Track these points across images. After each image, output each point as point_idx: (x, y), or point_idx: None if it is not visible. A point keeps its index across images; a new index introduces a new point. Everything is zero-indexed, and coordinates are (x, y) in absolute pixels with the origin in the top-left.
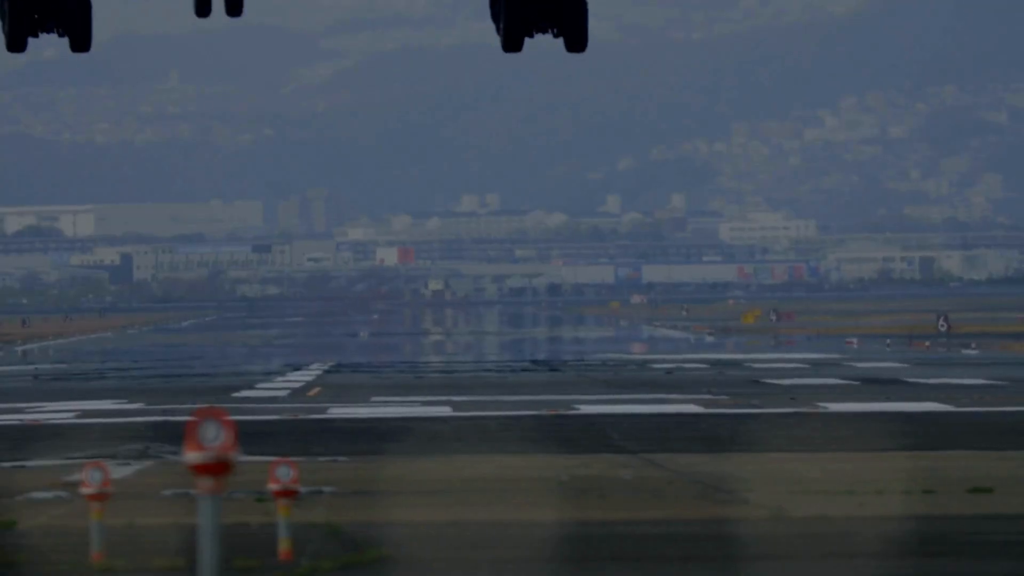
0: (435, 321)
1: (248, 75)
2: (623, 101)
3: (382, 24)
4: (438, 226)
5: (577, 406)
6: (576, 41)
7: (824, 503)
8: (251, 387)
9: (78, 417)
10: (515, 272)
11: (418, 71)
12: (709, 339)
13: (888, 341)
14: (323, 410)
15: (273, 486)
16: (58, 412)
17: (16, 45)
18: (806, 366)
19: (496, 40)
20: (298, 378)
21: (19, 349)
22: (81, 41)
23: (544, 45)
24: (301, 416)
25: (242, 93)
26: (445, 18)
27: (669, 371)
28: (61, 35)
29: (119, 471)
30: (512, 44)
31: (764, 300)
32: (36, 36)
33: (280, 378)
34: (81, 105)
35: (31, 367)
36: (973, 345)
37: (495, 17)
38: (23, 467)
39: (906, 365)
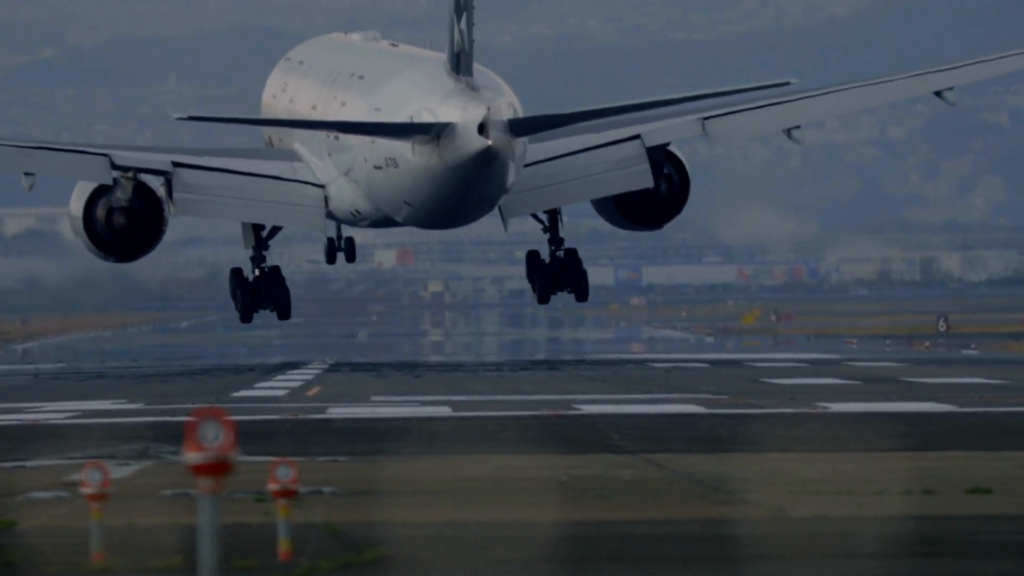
0: (434, 322)
1: (247, 76)
2: (622, 102)
3: (381, 25)
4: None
5: (577, 406)
6: (581, 296)
7: (824, 503)
8: (250, 387)
9: (78, 417)
10: (515, 274)
11: None
12: (708, 339)
13: (888, 341)
14: (322, 410)
15: (272, 486)
16: (58, 412)
17: (247, 318)
18: (806, 366)
19: (496, 40)
20: (297, 378)
21: (19, 348)
22: (285, 313)
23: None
24: (300, 416)
25: (241, 94)
26: (445, 19)
27: (668, 370)
28: (271, 310)
29: (119, 471)
30: (544, 299)
31: (764, 301)
32: (257, 312)
33: (279, 378)
34: (80, 106)
35: (31, 366)
36: (973, 345)
37: (531, 280)
38: (23, 467)
39: (906, 365)
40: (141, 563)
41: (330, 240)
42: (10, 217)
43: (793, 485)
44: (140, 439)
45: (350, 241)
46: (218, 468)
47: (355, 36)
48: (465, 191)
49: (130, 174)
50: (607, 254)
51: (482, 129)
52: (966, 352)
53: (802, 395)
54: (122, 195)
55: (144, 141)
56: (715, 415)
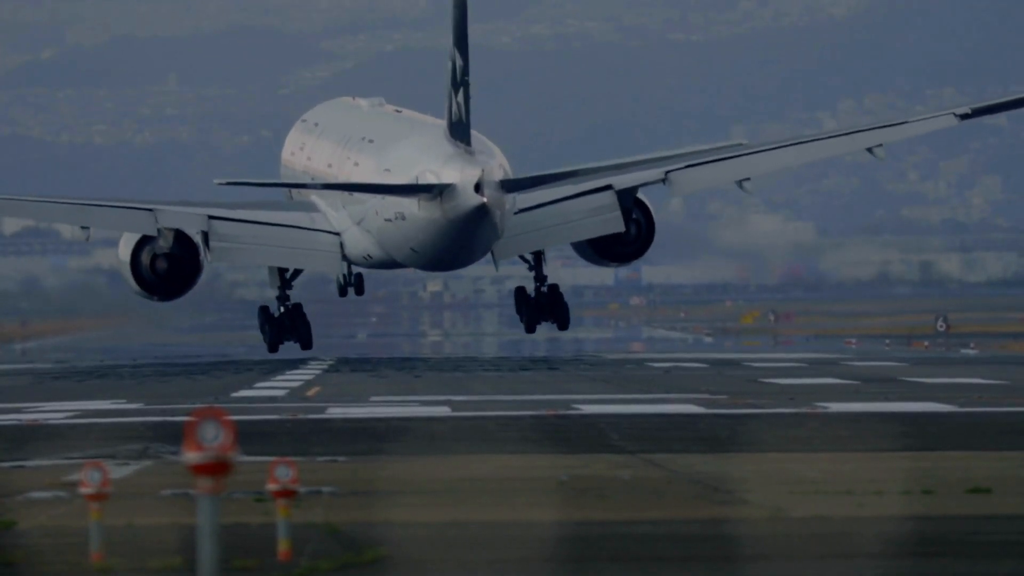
0: (434, 322)
1: (246, 77)
2: (622, 103)
3: (381, 26)
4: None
5: (576, 406)
6: (563, 326)
7: (823, 503)
8: (250, 387)
9: (77, 417)
10: (514, 274)
11: (417, 72)
12: (708, 339)
13: (887, 341)
14: (322, 410)
15: (272, 486)
16: (57, 412)
17: (273, 349)
18: (805, 366)
19: (496, 41)
20: (297, 378)
21: (18, 348)
22: (307, 345)
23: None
24: (300, 416)
25: (241, 95)
26: (444, 19)
27: (667, 370)
28: (295, 341)
29: (118, 471)
30: (531, 329)
31: (763, 301)
32: (282, 343)
33: (279, 377)
34: (80, 106)
35: (31, 366)
36: (972, 345)
37: (519, 313)
38: (22, 467)
39: (905, 365)
40: (141, 563)
41: (344, 277)
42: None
43: (792, 485)
44: (140, 439)
45: (359, 277)
46: (218, 468)
47: (363, 102)
48: (463, 240)
49: (171, 226)
50: None
51: (478, 188)
52: (965, 352)
53: (801, 395)
54: (164, 244)
55: (143, 141)
56: (714, 415)
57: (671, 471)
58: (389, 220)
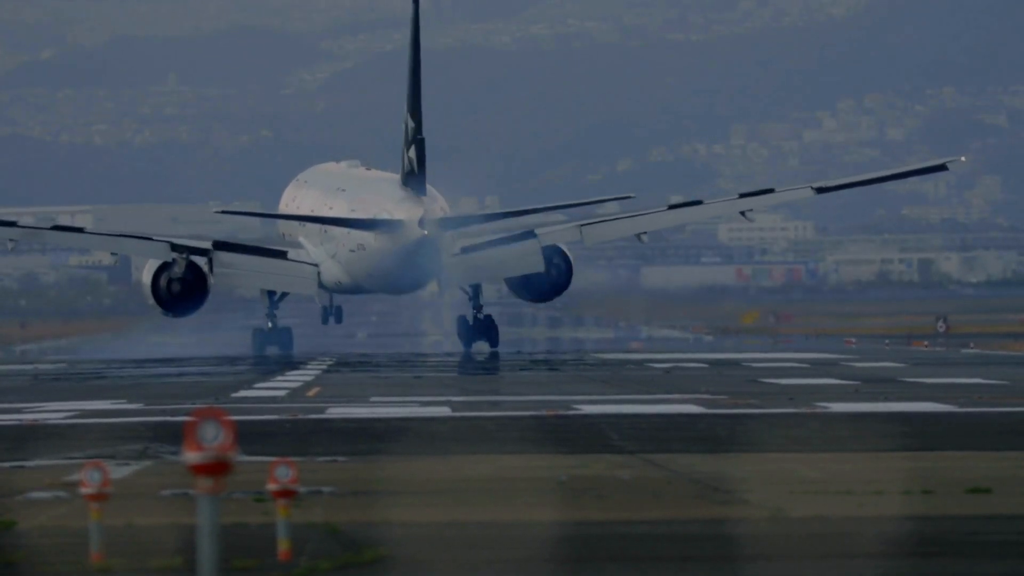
0: (434, 321)
1: (246, 77)
2: (622, 103)
3: (381, 25)
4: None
5: (576, 406)
6: (493, 344)
7: (823, 503)
8: (250, 387)
9: (77, 417)
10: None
11: None
12: (708, 339)
13: (887, 341)
14: (322, 410)
15: (272, 486)
16: (57, 412)
17: (259, 352)
18: (805, 366)
19: (495, 41)
20: (297, 378)
21: (18, 349)
22: (287, 349)
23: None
24: (300, 416)
25: (240, 95)
26: (444, 19)
27: (667, 370)
28: (279, 349)
29: (118, 471)
30: (468, 347)
31: (763, 302)
32: (266, 349)
33: (279, 378)
34: (79, 106)
35: (30, 366)
36: (972, 345)
37: (460, 336)
38: (22, 467)
39: (905, 365)
40: (141, 563)
41: (324, 308)
42: (9, 216)
43: (792, 485)
44: (140, 439)
45: (339, 308)
46: (218, 468)
47: (344, 164)
48: (411, 266)
49: (184, 255)
50: (606, 255)
51: (421, 223)
52: (965, 352)
53: (801, 395)
54: (178, 270)
55: (143, 141)
56: (714, 415)
57: (671, 471)
58: (353, 251)
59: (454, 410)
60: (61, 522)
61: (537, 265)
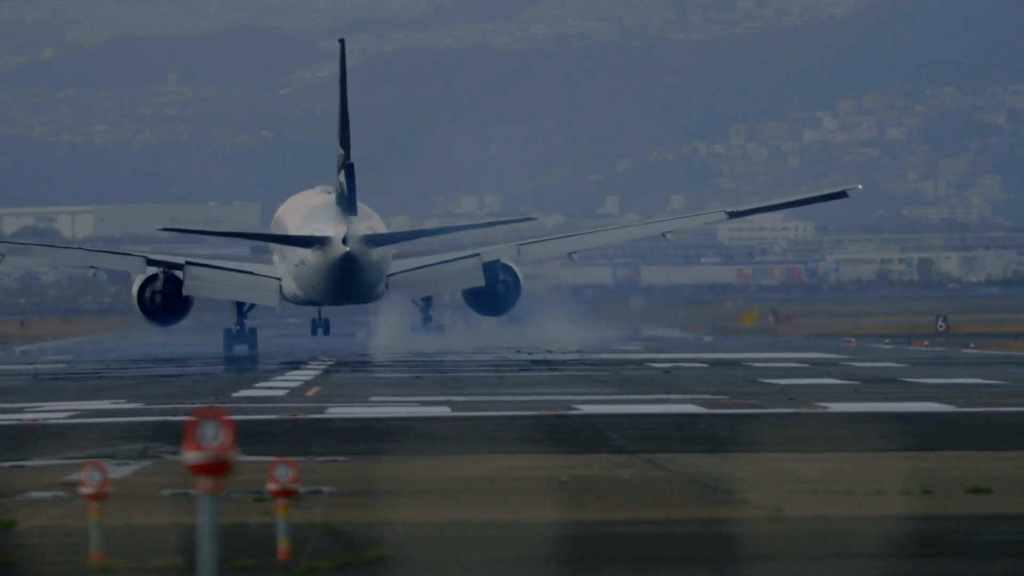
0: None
1: (246, 77)
2: (622, 102)
3: (381, 26)
4: (437, 227)
5: (576, 406)
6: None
7: (823, 503)
8: (250, 387)
9: (77, 417)
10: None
11: (417, 72)
12: (707, 339)
13: (887, 341)
14: (322, 410)
15: (272, 486)
16: (57, 412)
17: (228, 351)
18: (805, 366)
19: (495, 41)
20: (297, 377)
21: (18, 349)
22: (252, 349)
23: (544, 45)
24: (300, 416)
25: (240, 95)
26: (444, 19)
27: (667, 371)
28: (245, 346)
29: (118, 471)
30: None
31: (762, 301)
32: (234, 348)
33: (279, 378)
34: (80, 106)
35: (30, 366)
36: (972, 345)
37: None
38: (22, 467)
39: (905, 365)
40: (141, 563)
41: (313, 320)
42: (8, 216)
43: (792, 485)
44: (140, 439)
45: (327, 321)
46: (218, 468)
47: (318, 189)
48: (344, 279)
49: (163, 269)
50: (606, 254)
51: (344, 240)
52: (965, 352)
53: (801, 395)
54: (159, 284)
55: (143, 141)
56: (714, 415)
57: (671, 471)
58: (297, 265)
59: (454, 410)
60: (61, 522)
61: (477, 280)
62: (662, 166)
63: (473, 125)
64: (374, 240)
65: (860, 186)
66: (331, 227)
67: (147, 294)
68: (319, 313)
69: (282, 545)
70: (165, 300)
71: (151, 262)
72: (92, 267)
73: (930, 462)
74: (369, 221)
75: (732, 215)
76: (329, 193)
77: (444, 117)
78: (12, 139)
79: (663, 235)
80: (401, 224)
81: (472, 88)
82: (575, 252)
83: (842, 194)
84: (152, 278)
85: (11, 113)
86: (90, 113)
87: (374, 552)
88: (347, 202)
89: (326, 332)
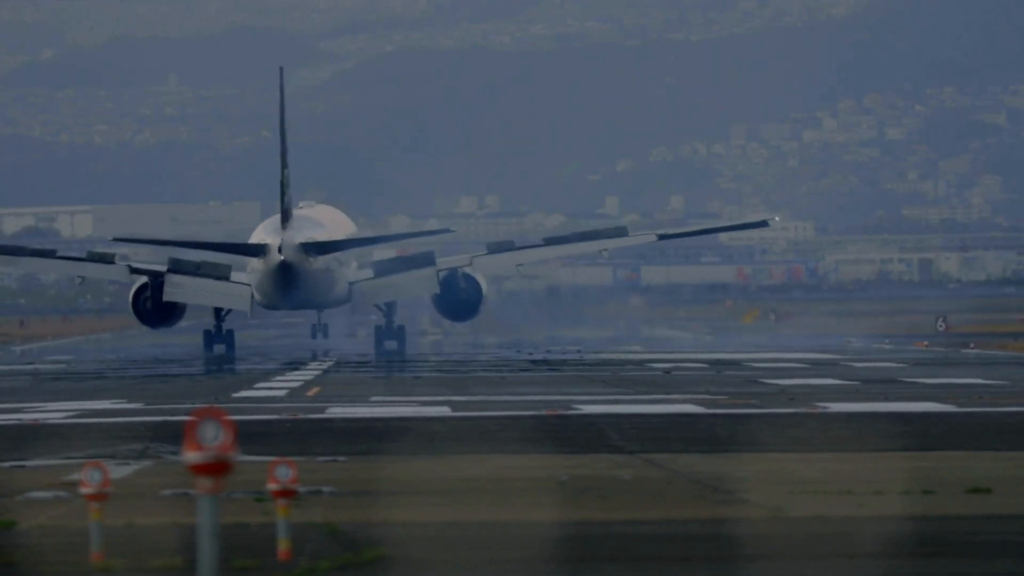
0: (433, 321)
1: (246, 77)
2: (622, 102)
3: (381, 26)
4: (436, 227)
5: (576, 406)
6: (401, 348)
7: (823, 503)
8: (250, 387)
9: (77, 417)
10: (513, 273)
11: (417, 73)
12: (708, 339)
13: (887, 341)
14: (322, 410)
15: (272, 486)
16: (57, 412)
17: (208, 349)
18: (805, 366)
19: (495, 41)
20: (297, 378)
21: (17, 349)
22: (231, 350)
23: (544, 45)
24: (300, 416)
25: (240, 95)
26: (444, 19)
27: (667, 371)
28: (224, 346)
29: (118, 471)
30: (379, 350)
31: (762, 301)
32: (213, 346)
33: (279, 378)
34: (79, 107)
35: (30, 366)
36: (972, 345)
37: (377, 344)
38: (22, 467)
39: (905, 365)
40: (141, 563)
41: (313, 325)
42: (9, 216)
43: (792, 485)
44: (140, 439)
45: (326, 325)
46: (218, 468)
47: (300, 203)
48: (287, 285)
49: (149, 277)
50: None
51: (280, 249)
52: (965, 352)
53: (801, 395)
54: (150, 290)
55: (143, 141)
56: (714, 415)
57: (671, 471)
58: (249, 273)
59: (454, 410)
60: (61, 522)
61: (433, 288)
62: (662, 166)
63: (473, 124)
64: (314, 248)
65: (777, 217)
66: (270, 237)
67: (141, 299)
68: (318, 317)
69: (282, 545)
70: (155, 305)
71: (134, 270)
72: (79, 276)
73: (930, 462)
74: (317, 230)
75: (662, 237)
76: (312, 207)
77: (444, 117)
78: (12, 139)
79: (600, 252)
80: (401, 224)
81: (472, 88)
82: (521, 264)
83: (763, 223)
84: (145, 286)
85: (11, 113)
86: (90, 113)
87: (374, 552)
88: (286, 213)
89: (325, 336)
